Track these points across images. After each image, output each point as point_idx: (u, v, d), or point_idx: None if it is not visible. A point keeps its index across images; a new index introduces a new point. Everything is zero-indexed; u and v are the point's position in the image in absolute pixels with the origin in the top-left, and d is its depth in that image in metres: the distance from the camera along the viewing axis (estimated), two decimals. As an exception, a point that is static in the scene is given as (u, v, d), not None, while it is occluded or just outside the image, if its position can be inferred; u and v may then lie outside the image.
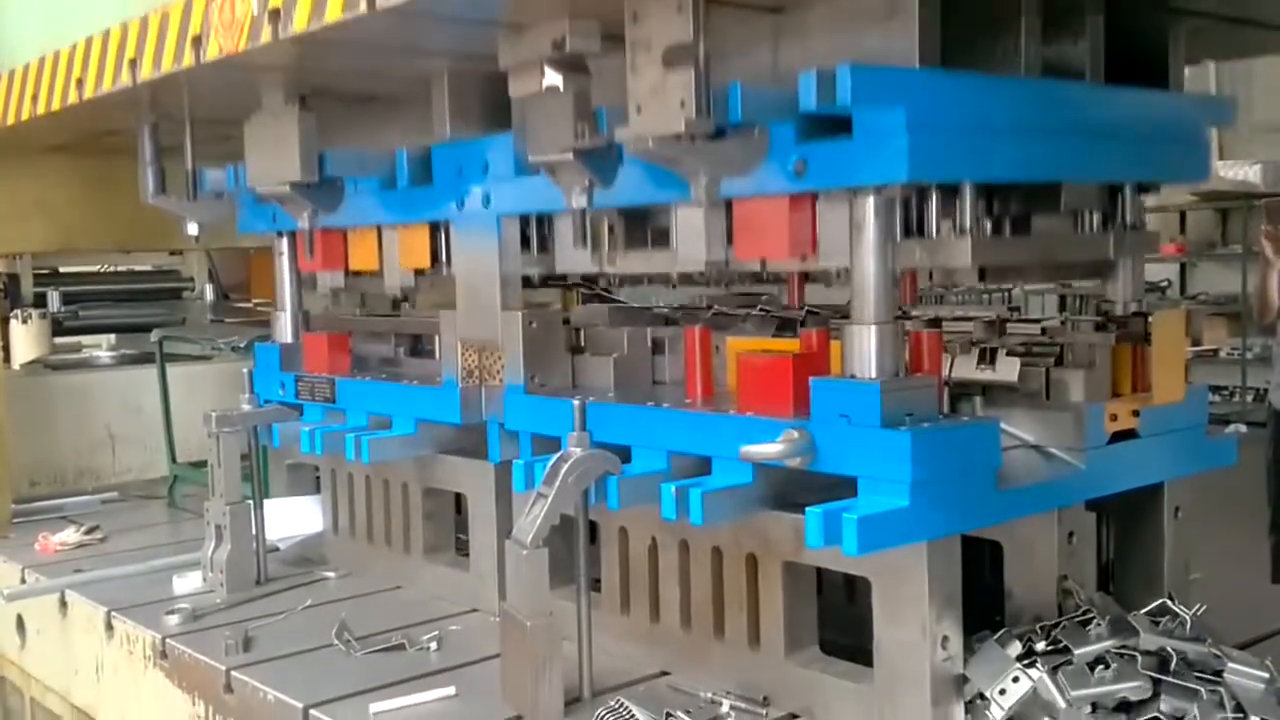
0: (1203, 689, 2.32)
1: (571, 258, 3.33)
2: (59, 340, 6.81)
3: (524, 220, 3.42)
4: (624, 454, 2.89)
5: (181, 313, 7.15)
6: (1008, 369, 2.96)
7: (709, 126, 2.46)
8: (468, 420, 3.45)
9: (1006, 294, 15.46)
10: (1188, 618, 2.58)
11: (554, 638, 2.73)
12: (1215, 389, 13.17)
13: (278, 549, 4.16)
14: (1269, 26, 3.36)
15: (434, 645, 3.24)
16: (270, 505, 4.13)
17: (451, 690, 2.91)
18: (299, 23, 2.82)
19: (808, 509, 2.38)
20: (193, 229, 4.39)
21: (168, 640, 3.46)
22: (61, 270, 7.26)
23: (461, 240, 3.52)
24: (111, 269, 7.64)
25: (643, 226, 3.16)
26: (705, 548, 2.91)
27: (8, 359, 6.02)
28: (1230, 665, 2.38)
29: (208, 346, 5.42)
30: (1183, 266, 14.69)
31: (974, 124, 2.47)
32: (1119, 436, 2.87)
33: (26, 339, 6.46)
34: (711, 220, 2.84)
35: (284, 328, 4.28)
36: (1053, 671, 2.41)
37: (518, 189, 3.27)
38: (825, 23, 2.67)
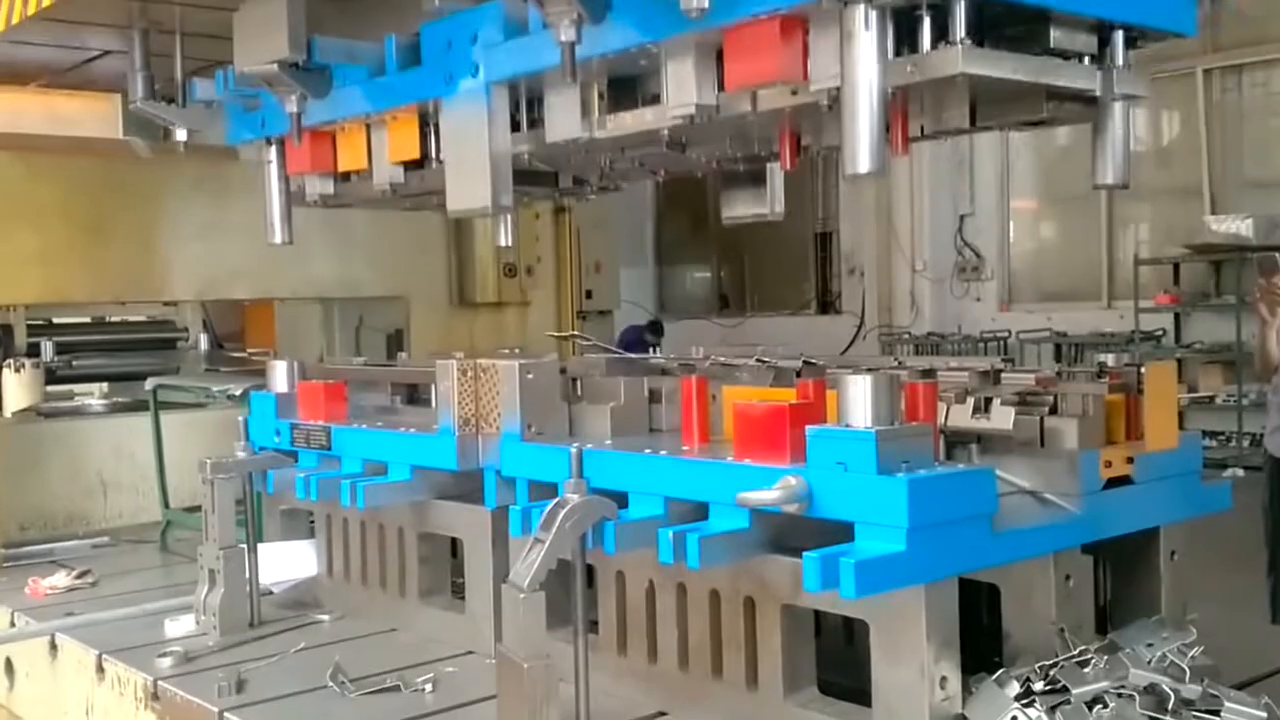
0: (1198, 730, 2.31)
1: (562, 125, 3.30)
2: (51, 389, 6.84)
3: (514, 103, 3.42)
4: (621, 500, 2.90)
5: (175, 362, 7.24)
6: (1003, 418, 2.98)
7: None
8: (464, 467, 3.46)
9: (1002, 344, 15.58)
10: (1184, 664, 2.57)
11: (550, 679, 2.72)
12: (1212, 434, 13.27)
13: (271, 592, 4.14)
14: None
15: (429, 687, 3.23)
16: (264, 549, 4.12)
17: (447, 733, 2.90)
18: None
19: (805, 554, 2.40)
20: (181, 134, 4.40)
21: (159, 682, 3.45)
22: (56, 321, 7.31)
23: (451, 118, 3.50)
24: (106, 320, 7.68)
25: (632, 95, 3.20)
26: (703, 591, 2.91)
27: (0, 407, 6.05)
28: (1227, 704, 2.38)
29: (202, 395, 5.44)
30: (1177, 316, 14.79)
31: None
32: (1114, 483, 2.90)
33: (19, 387, 6.49)
34: (700, 63, 2.88)
35: (280, 377, 4.29)
36: (1050, 711, 2.41)
37: (507, 53, 3.27)
38: None
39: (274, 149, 4.23)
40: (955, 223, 17.13)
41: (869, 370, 2.66)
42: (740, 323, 19.73)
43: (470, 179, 3.42)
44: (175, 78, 4.23)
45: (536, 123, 3.45)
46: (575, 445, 2.93)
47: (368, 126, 3.91)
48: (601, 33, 2.92)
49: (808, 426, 2.61)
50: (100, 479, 6.15)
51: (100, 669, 3.73)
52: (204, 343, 7.26)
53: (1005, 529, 2.63)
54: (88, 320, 7.61)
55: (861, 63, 2.50)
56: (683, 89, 2.95)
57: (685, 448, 3.04)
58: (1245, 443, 12.93)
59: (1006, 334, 15.92)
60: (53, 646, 4.05)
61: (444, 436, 3.48)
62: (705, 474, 2.77)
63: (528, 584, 2.73)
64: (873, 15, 2.48)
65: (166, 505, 5.56)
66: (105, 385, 7.51)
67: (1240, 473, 11.41)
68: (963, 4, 2.54)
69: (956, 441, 2.96)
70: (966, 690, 2.56)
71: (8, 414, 6.31)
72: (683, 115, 2.98)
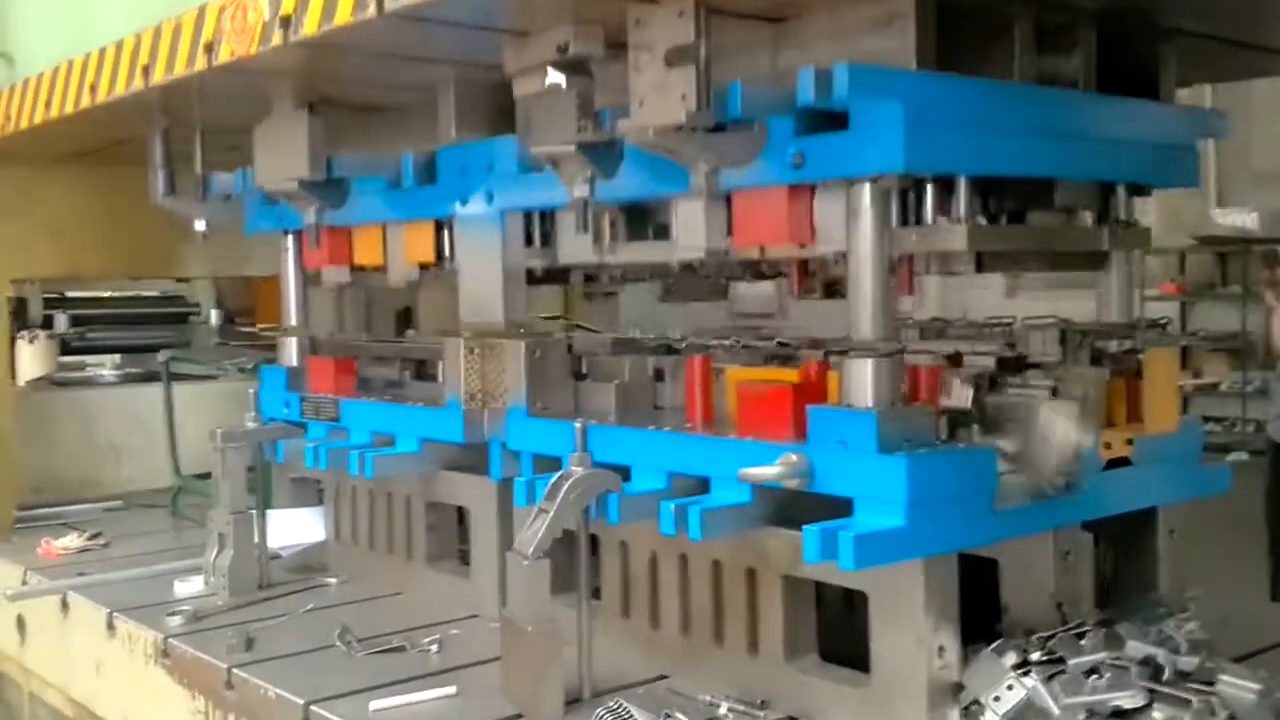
0: (1195, 698, 2.37)
1: (573, 249, 3.43)
2: (64, 359, 6.98)
3: (527, 218, 3.53)
4: (625, 474, 2.96)
5: (188, 336, 7.33)
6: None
7: (708, 120, 2.55)
8: (470, 440, 3.52)
9: (1007, 329, 15.56)
10: (1180, 637, 2.63)
11: (554, 641, 2.79)
12: (1216, 420, 13.37)
13: (280, 556, 4.21)
14: (1259, 48, 3.43)
15: (435, 648, 3.30)
16: (273, 515, 4.20)
17: (453, 690, 2.97)
18: (309, 27, 2.93)
19: (805, 527, 2.46)
20: (200, 226, 4.47)
21: (169, 640, 3.52)
22: (70, 295, 7.40)
23: (465, 236, 3.63)
24: (119, 294, 7.76)
25: (643, 223, 3.27)
26: (705, 561, 2.97)
27: (14, 376, 6.13)
28: (1223, 676, 2.44)
29: (213, 367, 5.52)
30: (1182, 305, 14.89)
31: (967, 121, 2.58)
32: (1114, 464, 2.95)
33: (32, 357, 6.60)
34: (712, 211, 2.92)
35: (290, 351, 4.36)
36: (1047, 680, 2.47)
37: (521, 185, 3.39)
38: (824, 31, 2.78)
39: (291, 239, 4.35)
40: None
41: (870, 352, 2.70)
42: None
43: (484, 295, 3.58)
44: (196, 173, 4.30)
45: (549, 238, 3.55)
46: (580, 420, 2.99)
47: (384, 226, 4.03)
48: (612, 184, 2.97)
49: (809, 405, 2.67)
50: (111, 446, 6.24)
51: (111, 626, 3.81)
52: (216, 318, 7.33)
53: (1004, 506, 2.69)
54: (104, 295, 7.67)
55: (866, 240, 2.57)
56: (693, 232, 2.99)
57: (689, 424, 3.09)
58: (1249, 428, 13.03)
59: (1012, 320, 15.94)
60: (64, 605, 4.13)
61: (451, 410, 3.54)
62: (709, 450, 2.84)
63: (532, 551, 2.79)
64: (878, 195, 2.55)
65: (178, 472, 5.64)
66: (118, 357, 7.62)
67: (1244, 457, 11.46)
68: (964, 180, 2.63)
69: (960, 422, 3.01)
70: (965, 660, 2.62)
71: (21, 383, 6.39)
72: (692, 256, 3.05)
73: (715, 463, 2.79)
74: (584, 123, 2.84)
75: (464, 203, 3.60)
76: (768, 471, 2.58)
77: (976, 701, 2.53)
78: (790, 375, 2.97)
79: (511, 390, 3.40)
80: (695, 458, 2.86)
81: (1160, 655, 2.56)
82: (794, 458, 2.58)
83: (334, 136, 3.82)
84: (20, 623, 4.47)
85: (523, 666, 2.84)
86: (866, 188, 2.55)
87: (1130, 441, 3.00)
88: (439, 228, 3.82)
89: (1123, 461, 2.98)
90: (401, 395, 4.06)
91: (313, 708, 2.93)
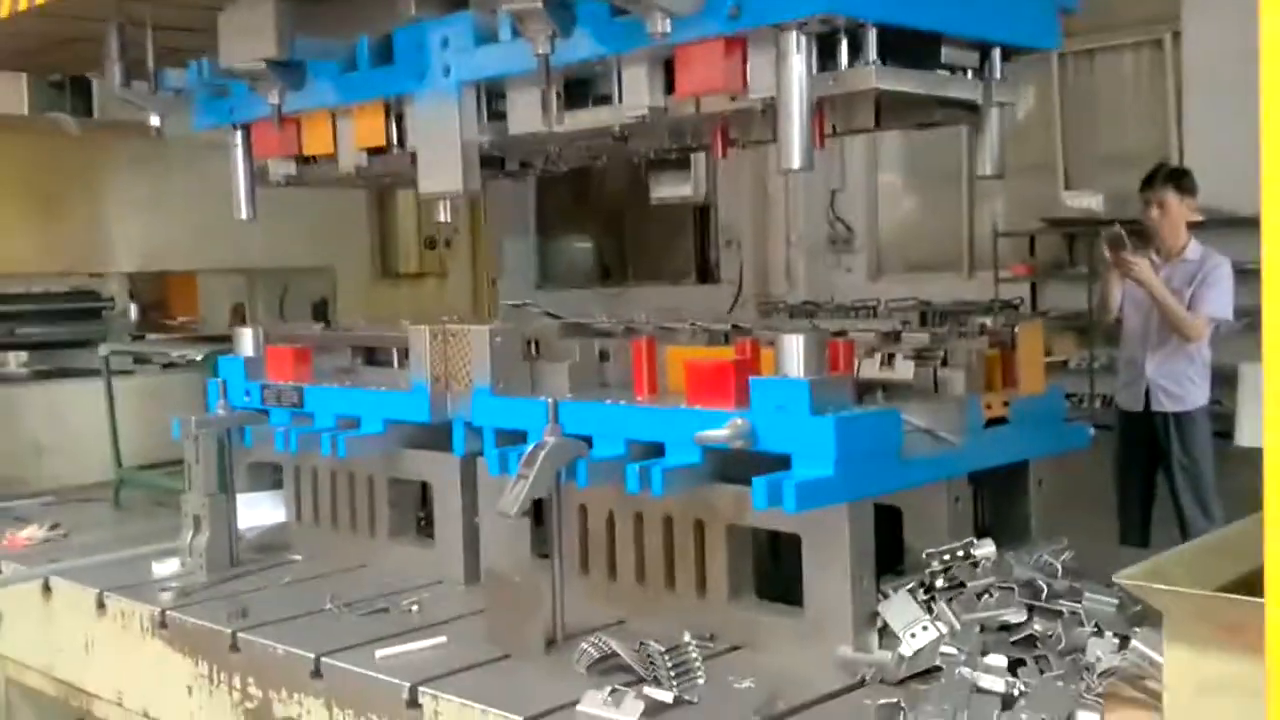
0: (1065, 611, 2.93)
1: (523, 120, 3.76)
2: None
3: (477, 100, 3.87)
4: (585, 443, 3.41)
5: (102, 330, 7.46)
6: (904, 369, 3.59)
7: None
8: (436, 419, 3.93)
9: (872, 311, 16.36)
10: (1057, 563, 3.20)
11: (537, 589, 3.24)
12: (1066, 396, 14.07)
13: (242, 538, 4.55)
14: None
15: (415, 608, 3.71)
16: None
17: (443, 639, 3.39)
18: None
19: (754, 478, 2.96)
20: (155, 121, 4.80)
21: (167, 612, 3.85)
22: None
23: (422, 113, 3.95)
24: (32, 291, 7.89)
25: (584, 96, 3.67)
26: (657, 517, 3.44)
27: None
28: (1088, 594, 3.00)
29: (163, 359, 5.78)
30: (1033, 285, 15.69)
31: None
32: (993, 423, 3.53)
33: (-46, 355, 6.71)
34: (652, 72, 3.39)
35: (247, 342, 4.70)
36: (949, 602, 3.01)
37: (477, 57, 3.75)
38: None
39: (239, 134, 4.64)
40: (827, 197, 17.87)
41: (799, 331, 3.22)
42: (621, 292, 20.19)
43: (441, 166, 3.90)
44: (148, 67, 4.59)
45: (496, 115, 3.92)
46: (550, 397, 3.45)
47: (333, 115, 4.32)
48: (567, 45, 3.41)
49: (750, 376, 3.17)
50: (33, 442, 6.45)
51: (101, 605, 4.10)
52: (134, 311, 7.52)
53: (908, 459, 3.23)
54: (14, 291, 7.79)
55: (794, 78, 3.05)
56: (636, 93, 3.45)
57: (638, 398, 3.57)
58: (1097, 403, 13.86)
59: (876, 302, 16.75)
60: (46, 589, 4.40)
61: (417, 392, 3.96)
62: (665, 419, 3.32)
63: (515, 511, 3.23)
64: (803, 39, 3.04)
65: (119, 464, 5.89)
66: (24, 354, 7.75)
67: (1092, 430, 12.29)
68: (873, 30, 3.12)
69: (866, 389, 3.55)
70: (879, 591, 3.14)
71: (-62, 382, 6.54)
72: (636, 116, 3.49)
73: (670, 429, 3.27)
74: None
75: (423, 79, 3.89)
76: (720, 434, 3.07)
77: (891, 631, 3.05)
78: (727, 353, 3.47)
79: (475, 372, 3.83)
80: (653, 425, 3.33)
81: (1039, 579, 3.11)
82: (740, 422, 3.08)
83: (293, 18, 4.05)
84: (-6, 613, 4.73)
85: (507, 613, 3.29)
86: (794, 33, 3.00)
87: (1007, 403, 3.59)
88: (388, 113, 4.11)
89: (1000, 421, 3.56)
90: (359, 380, 4.45)
91: (324, 659, 3.32)
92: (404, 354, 4.27)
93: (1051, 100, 15.61)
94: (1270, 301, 1.66)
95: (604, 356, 3.97)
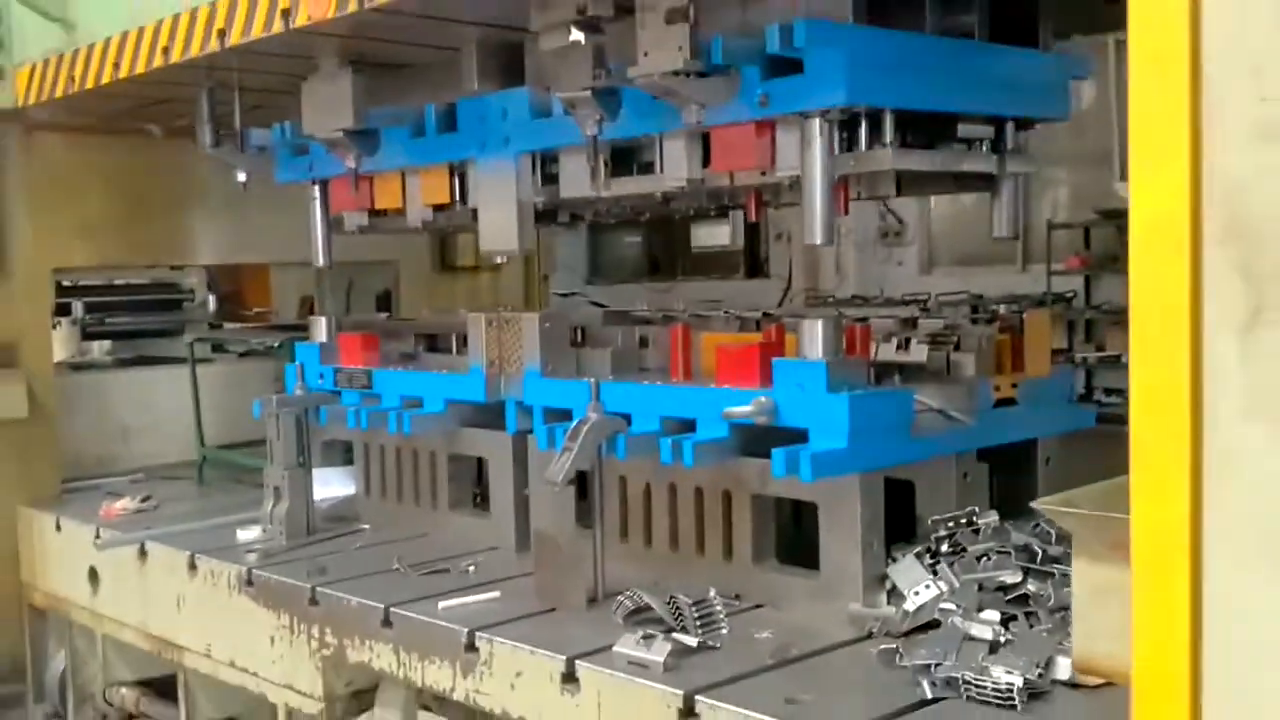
0: (1057, 573, 3.24)
1: (574, 184, 4.13)
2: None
3: (532, 164, 4.25)
4: (626, 420, 3.75)
5: (182, 320, 7.95)
6: (919, 353, 3.91)
7: (699, 66, 3.34)
8: (490, 399, 4.32)
9: (922, 306, 16.50)
10: (1053, 530, 3.50)
11: (582, 550, 3.61)
12: (1118, 392, 14.12)
13: (317, 508, 4.96)
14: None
15: (472, 569, 4.10)
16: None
17: (497, 594, 3.77)
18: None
19: (773, 449, 3.30)
20: (241, 176, 5.28)
21: (253, 571, 4.28)
22: (81, 284, 7.99)
23: (483, 176, 4.36)
24: (120, 282, 8.38)
25: (628, 164, 4.03)
26: (690, 488, 3.79)
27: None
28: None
29: (241, 347, 6.22)
30: (1087, 279, 15.71)
31: (892, 65, 3.37)
32: (1002, 404, 3.84)
33: (57, 343, 7.16)
34: (690, 147, 3.72)
35: (320, 330, 5.12)
36: (950, 566, 3.33)
37: (535, 129, 4.14)
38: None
39: (317, 188, 5.09)
40: (880, 189, 18.07)
41: (819, 317, 3.55)
42: (671, 287, 20.43)
43: (500, 225, 4.32)
44: (235, 128, 5.10)
45: (549, 178, 4.29)
46: (593, 378, 3.81)
47: (402, 174, 4.76)
48: (613, 125, 3.74)
49: (773, 359, 3.51)
50: (121, 426, 6.92)
51: (193, 566, 4.54)
52: (212, 302, 7.98)
53: (919, 435, 3.55)
54: (100, 283, 8.28)
55: (817, 162, 3.36)
56: (676, 166, 3.79)
57: (675, 379, 3.92)
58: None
59: (926, 297, 16.82)
60: (142, 553, 4.85)
61: (474, 375, 4.34)
62: (696, 397, 3.66)
63: (561, 479, 3.60)
64: (825, 125, 3.35)
65: (203, 444, 6.35)
66: (108, 343, 8.25)
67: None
68: (890, 114, 3.43)
69: (883, 371, 3.87)
70: (889, 556, 3.46)
71: (49, 366, 7.02)
72: (676, 185, 3.83)
73: (701, 406, 3.62)
74: (598, 71, 3.57)
75: (484, 146, 4.30)
76: (745, 410, 3.42)
77: (899, 591, 3.38)
78: (755, 338, 3.81)
79: (527, 356, 4.20)
80: (685, 403, 3.68)
81: (1035, 544, 3.42)
82: (764, 399, 3.43)
83: (369, 92, 4.53)
84: (93, 574, 5.17)
85: (553, 571, 3.66)
86: (817, 121, 3.32)
87: (1015, 385, 3.89)
88: (452, 173, 4.54)
89: (1009, 402, 3.87)
90: (420, 365, 4.85)
91: (392, 610, 3.72)
92: (462, 340, 4.68)
93: (1108, 89, 15.59)
94: (1137, 298, 1.99)
95: (644, 342, 4.33)
